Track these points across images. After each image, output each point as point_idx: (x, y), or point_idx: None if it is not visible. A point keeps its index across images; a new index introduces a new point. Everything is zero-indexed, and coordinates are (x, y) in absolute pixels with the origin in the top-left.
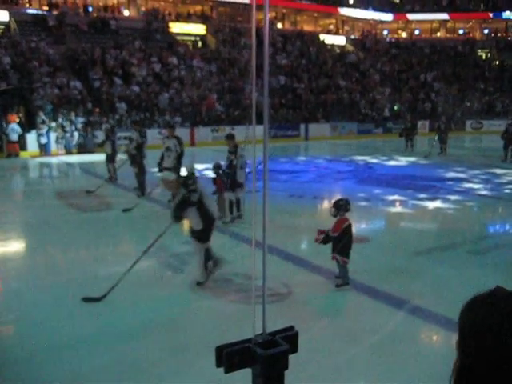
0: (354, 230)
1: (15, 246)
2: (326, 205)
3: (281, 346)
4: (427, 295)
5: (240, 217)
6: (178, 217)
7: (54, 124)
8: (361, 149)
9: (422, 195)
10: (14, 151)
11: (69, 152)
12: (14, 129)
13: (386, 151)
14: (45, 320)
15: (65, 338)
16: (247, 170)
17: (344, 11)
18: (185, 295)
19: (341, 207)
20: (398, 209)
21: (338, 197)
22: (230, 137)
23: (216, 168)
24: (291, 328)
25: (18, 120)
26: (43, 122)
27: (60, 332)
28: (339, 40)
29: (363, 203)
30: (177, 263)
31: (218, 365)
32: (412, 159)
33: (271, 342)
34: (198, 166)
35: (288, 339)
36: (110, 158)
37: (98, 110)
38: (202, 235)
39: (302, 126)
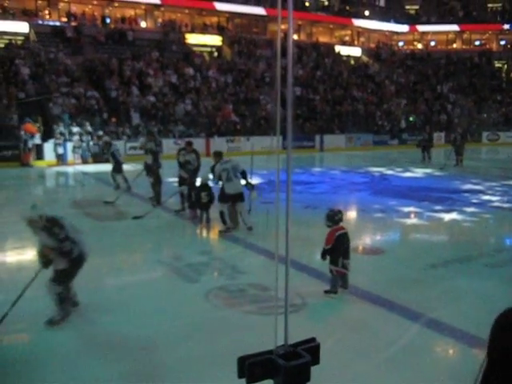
0: (369, 241)
1: (30, 255)
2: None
3: (303, 357)
4: (443, 308)
5: (250, 229)
6: (45, 263)
7: (75, 129)
8: (376, 160)
9: (437, 207)
10: (25, 160)
11: (85, 161)
12: (29, 138)
13: (401, 163)
14: (59, 328)
15: (79, 346)
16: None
17: (359, 22)
18: (199, 305)
19: (331, 219)
20: (413, 220)
21: (353, 208)
22: (218, 154)
23: None
24: (313, 339)
25: (34, 129)
26: (61, 133)
27: (75, 340)
28: (355, 51)
29: (378, 215)
30: (192, 273)
31: (240, 375)
32: (428, 171)
33: (293, 353)
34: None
35: (310, 351)
36: (115, 170)
37: (114, 119)
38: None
39: (317, 137)
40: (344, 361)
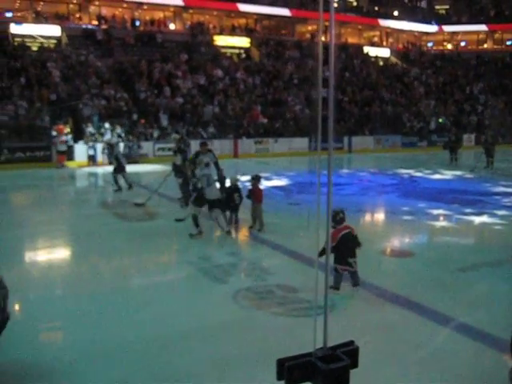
0: (397, 244)
1: (60, 254)
2: (370, 218)
3: (342, 360)
4: (474, 313)
5: (229, 233)
6: None
7: (107, 126)
8: (405, 162)
9: (467, 210)
10: (59, 162)
11: None
12: (62, 140)
13: (430, 164)
14: (88, 327)
15: (107, 345)
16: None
17: (388, 23)
18: (227, 306)
19: (333, 219)
20: (442, 223)
21: (381, 210)
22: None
23: (254, 179)
24: (351, 343)
25: (67, 131)
26: (92, 134)
27: (102, 339)
28: (383, 52)
29: (407, 217)
30: (220, 274)
31: (279, 378)
32: (457, 173)
33: (332, 356)
34: (241, 178)
35: (348, 354)
36: (116, 170)
37: (143, 121)
38: None
39: (345, 139)
40: (372, 364)
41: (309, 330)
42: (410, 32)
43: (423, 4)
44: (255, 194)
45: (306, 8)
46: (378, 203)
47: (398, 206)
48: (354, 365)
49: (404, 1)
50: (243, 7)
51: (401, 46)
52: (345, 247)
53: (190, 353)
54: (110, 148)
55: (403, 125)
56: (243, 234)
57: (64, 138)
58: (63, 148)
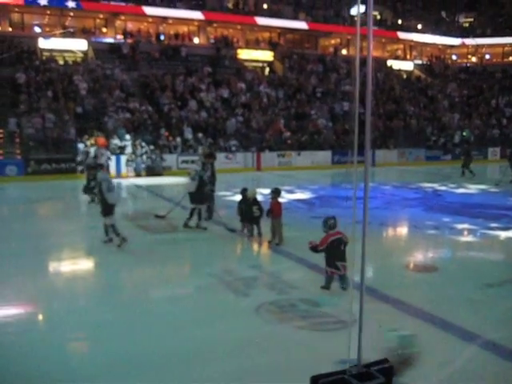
0: (421, 258)
1: (83, 265)
2: (393, 232)
3: (376, 378)
4: (501, 329)
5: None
6: None
7: (129, 143)
8: (429, 175)
9: (493, 224)
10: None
11: (138, 174)
12: (103, 153)
13: (454, 178)
14: (110, 339)
15: (129, 357)
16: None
17: (412, 36)
18: (250, 319)
19: (325, 224)
20: (467, 238)
21: (405, 224)
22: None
23: (273, 193)
24: (386, 360)
25: (107, 144)
26: (119, 147)
27: (125, 351)
28: (407, 65)
29: (431, 231)
30: (242, 287)
31: None
32: (482, 187)
33: (366, 374)
34: (263, 191)
35: (383, 372)
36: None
37: (167, 134)
38: None
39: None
40: (397, 381)
41: (332, 345)
42: (434, 45)
43: (447, 17)
44: (274, 208)
45: (329, 22)
46: (402, 217)
47: (421, 220)
48: (389, 383)
49: (428, 14)
50: (261, 21)
51: (424, 59)
52: (334, 251)
53: (211, 366)
54: (85, 159)
55: (427, 138)
56: (266, 247)
57: (104, 150)
58: (103, 160)
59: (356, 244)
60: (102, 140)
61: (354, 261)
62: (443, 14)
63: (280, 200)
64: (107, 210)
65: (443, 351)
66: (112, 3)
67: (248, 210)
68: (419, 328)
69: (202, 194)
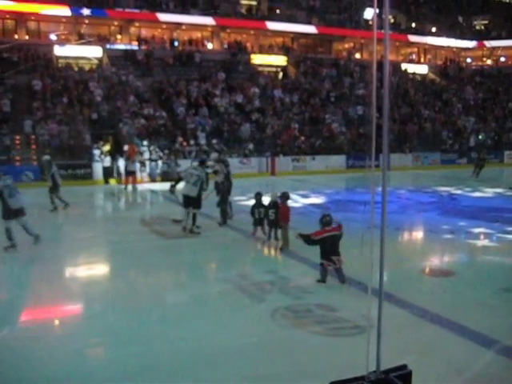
0: (437, 263)
1: (100, 270)
2: (409, 236)
3: None
4: None
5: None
6: None
7: (145, 143)
8: (444, 179)
9: (509, 228)
10: (130, 183)
11: (153, 180)
12: (134, 160)
13: (470, 182)
14: (126, 343)
15: (144, 362)
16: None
17: (426, 39)
18: (265, 324)
19: (321, 221)
20: (484, 242)
21: (421, 228)
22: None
23: (281, 197)
24: (404, 366)
25: (137, 150)
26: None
27: (140, 355)
28: (421, 68)
29: (447, 236)
30: (258, 292)
31: None
32: (498, 190)
33: (385, 380)
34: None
35: (401, 378)
36: (52, 190)
37: (181, 139)
38: None
39: (382, 156)
40: None
41: (348, 350)
42: (449, 48)
43: (461, 20)
44: (282, 213)
45: (343, 26)
46: (417, 221)
47: (437, 224)
48: None
49: (442, 17)
50: (274, 26)
51: (439, 62)
52: (329, 245)
53: (226, 370)
54: (47, 166)
55: (442, 142)
56: (280, 252)
57: (135, 157)
58: (133, 168)
59: (373, 249)
60: (132, 147)
61: (372, 266)
62: (458, 17)
63: (289, 204)
64: (7, 213)
65: (461, 356)
66: (126, 10)
67: (265, 213)
68: (436, 333)
69: (200, 200)
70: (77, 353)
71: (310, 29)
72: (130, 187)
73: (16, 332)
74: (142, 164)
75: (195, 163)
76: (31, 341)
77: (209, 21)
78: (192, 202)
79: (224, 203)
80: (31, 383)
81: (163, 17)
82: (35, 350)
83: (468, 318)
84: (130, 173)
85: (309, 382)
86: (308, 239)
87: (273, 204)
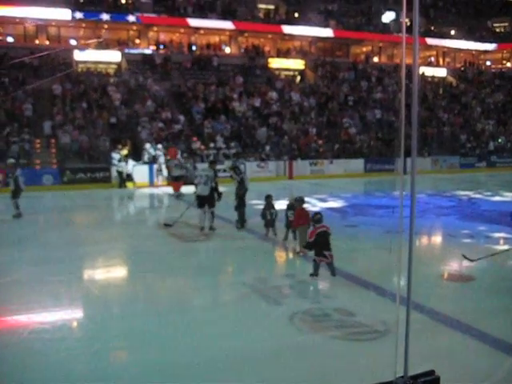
0: (457, 267)
1: (118, 273)
2: (427, 241)
3: None
4: None
5: None
6: None
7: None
8: (463, 183)
9: None
10: (176, 190)
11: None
12: (177, 164)
13: (490, 186)
14: (145, 347)
15: (163, 365)
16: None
17: (444, 42)
18: (283, 328)
19: (313, 219)
20: (504, 247)
21: (439, 233)
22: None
23: (298, 202)
24: (432, 372)
25: (178, 155)
26: (153, 157)
27: (159, 359)
28: (440, 72)
29: (467, 240)
30: (276, 296)
31: None
32: None
33: None
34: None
35: None
36: (14, 194)
37: (199, 143)
38: None
39: (399, 160)
40: None
41: (367, 355)
42: (468, 51)
43: (480, 22)
44: (300, 216)
45: (361, 30)
46: (436, 226)
47: (456, 228)
48: None
49: (461, 19)
50: (292, 30)
51: (458, 65)
52: (321, 242)
53: (245, 375)
54: (11, 169)
55: (461, 145)
56: (298, 256)
57: (178, 161)
58: (178, 173)
59: (392, 254)
60: (173, 151)
61: (401, 271)
62: (477, 19)
63: (305, 208)
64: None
65: (481, 363)
66: (145, 15)
67: (276, 214)
68: (456, 339)
69: (213, 198)
70: (96, 355)
71: (328, 32)
72: (175, 192)
73: (36, 333)
74: (183, 168)
75: (205, 165)
76: (51, 342)
77: (228, 25)
78: (206, 201)
79: (240, 207)
80: (53, 381)
81: (181, 21)
82: (55, 351)
83: (488, 324)
84: (176, 178)
85: None
86: (308, 245)
87: (291, 205)
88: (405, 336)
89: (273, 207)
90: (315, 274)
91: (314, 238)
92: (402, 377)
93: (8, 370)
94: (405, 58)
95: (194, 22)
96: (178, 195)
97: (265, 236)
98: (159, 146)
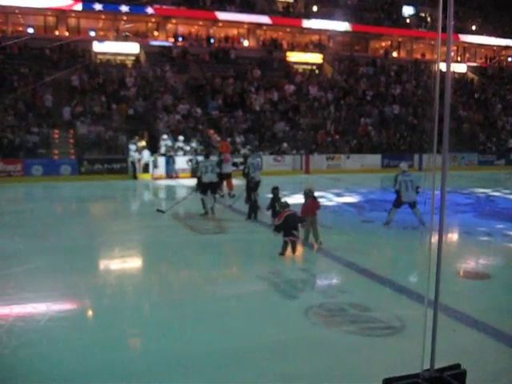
0: (473, 265)
1: (133, 264)
2: (444, 238)
3: None
4: None
5: None
6: None
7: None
8: (481, 181)
9: None
10: (230, 189)
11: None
12: (228, 158)
13: (508, 184)
14: (159, 337)
15: (176, 356)
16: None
17: (465, 38)
18: (298, 322)
19: (280, 205)
20: None
21: (456, 230)
22: None
23: (307, 194)
24: (458, 366)
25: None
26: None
27: (172, 350)
28: (460, 68)
29: (484, 238)
30: (291, 289)
31: None
32: None
33: (439, 379)
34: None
35: (456, 377)
36: None
37: (215, 135)
38: None
39: (416, 156)
40: None
41: (381, 351)
42: (489, 46)
43: (502, 17)
44: (311, 207)
45: (380, 24)
46: (454, 223)
47: (474, 226)
48: None
49: (482, 15)
50: (310, 23)
51: (479, 61)
52: (289, 223)
53: (258, 367)
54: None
55: (480, 142)
56: (314, 250)
57: (229, 156)
58: (229, 169)
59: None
60: (225, 145)
61: (429, 268)
62: (499, 14)
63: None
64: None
65: (497, 362)
66: (164, 7)
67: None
68: (471, 337)
69: (217, 184)
70: (111, 343)
71: (347, 27)
72: (226, 191)
73: (53, 321)
74: (235, 164)
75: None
76: (68, 329)
77: (246, 18)
78: (211, 187)
79: (248, 199)
80: (68, 370)
81: (200, 14)
82: (72, 338)
83: (504, 322)
84: (226, 175)
85: (340, 381)
86: (277, 227)
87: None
88: (432, 329)
89: (280, 199)
90: (282, 253)
91: (283, 220)
92: (428, 369)
93: (26, 356)
94: (439, 55)
95: (212, 15)
96: (233, 195)
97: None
98: (180, 137)
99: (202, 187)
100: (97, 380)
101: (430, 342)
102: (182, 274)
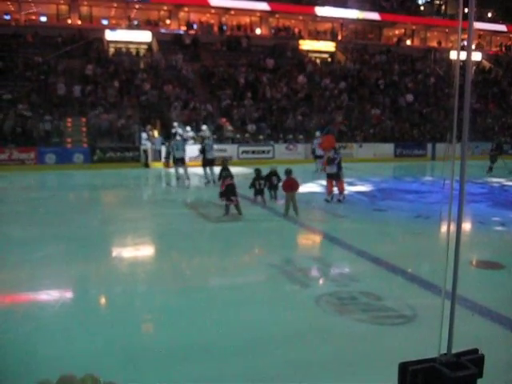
0: (487, 255)
1: (146, 251)
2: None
3: (468, 368)
4: None
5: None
6: None
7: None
8: (496, 170)
9: None
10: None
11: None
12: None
13: None
14: (172, 324)
15: (187, 343)
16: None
17: (480, 25)
18: (309, 310)
19: (220, 176)
20: None
21: (469, 220)
22: None
23: (288, 172)
24: (475, 351)
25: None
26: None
27: (183, 337)
28: (474, 56)
29: (498, 227)
30: (303, 278)
31: (401, 381)
32: None
33: (456, 363)
34: (323, 182)
35: (473, 362)
36: None
37: (228, 124)
38: None
39: (429, 146)
40: None
41: (392, 339)
42: (504, 34)
43: None
44: (290, 184)
45: (394, 12)
46: (467, 212)
47: (487, 215)
48: (480, 375)
49: (498, 1)
50: (323, 11)
51: (494, 49)
52: (229, 191)
53: (270, 356)
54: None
55: (494, 132)
56: (326, 239)
57: (329, 153)
58: (334, 169)
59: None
60: (330, 139)
61: (447, 256)
62: None
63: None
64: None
65: (510, 352)
66: None
67: (265, 182)
68: (485, 327)
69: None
70: (125, 329)
71: (360, 14)
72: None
73: (66, 308)
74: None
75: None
76: (81, 315)
77: (260, 6)
78: (212, 163)
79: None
80: (81, 355)
81: (213, 1)
82: (84, 325)
83: None
84: (332, 176)
85: (352, 369)
86: (220, 194)
87: (274, 172)
88: (450, 313)
89: (261, 178)
90: (226, 213)
91: (225, 188)
92: (446, 354)
93: (39, 341)
94: (459, 44)
95: (225, 3)
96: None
97: (253, 201)
98: (188, 128)
99: (205, 162)
100: (110, 364)
101: (447, 327)
102: (194, 261)
